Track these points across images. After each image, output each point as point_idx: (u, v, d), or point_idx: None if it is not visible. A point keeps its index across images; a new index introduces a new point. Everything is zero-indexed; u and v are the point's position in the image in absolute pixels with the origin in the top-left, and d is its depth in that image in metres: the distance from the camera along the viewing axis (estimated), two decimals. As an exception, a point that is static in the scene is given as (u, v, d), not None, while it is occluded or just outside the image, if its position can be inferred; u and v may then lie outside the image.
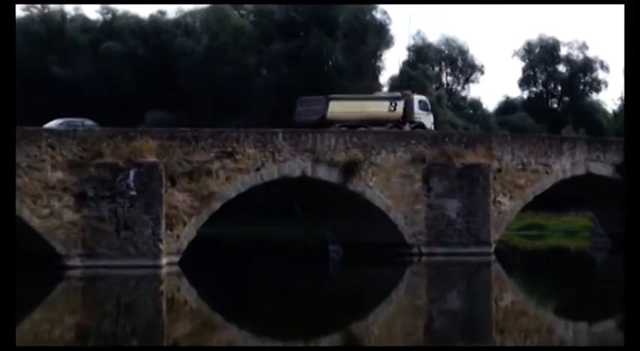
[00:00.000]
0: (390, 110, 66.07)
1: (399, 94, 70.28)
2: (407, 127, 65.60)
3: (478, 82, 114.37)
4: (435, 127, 69.47)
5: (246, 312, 40.12)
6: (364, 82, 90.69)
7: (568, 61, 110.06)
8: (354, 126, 63.54)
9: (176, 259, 52.87)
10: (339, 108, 64.89)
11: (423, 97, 71.72)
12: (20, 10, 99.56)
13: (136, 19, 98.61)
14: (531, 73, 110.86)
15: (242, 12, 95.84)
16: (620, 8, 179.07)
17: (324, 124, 63.06)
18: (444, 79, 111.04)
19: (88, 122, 61.10)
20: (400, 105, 66.22)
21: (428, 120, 67.87)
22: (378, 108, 66.62)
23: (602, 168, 67.73)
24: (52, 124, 60.35)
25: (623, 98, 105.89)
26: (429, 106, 69.83)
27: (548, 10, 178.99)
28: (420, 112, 67.35)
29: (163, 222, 52.09)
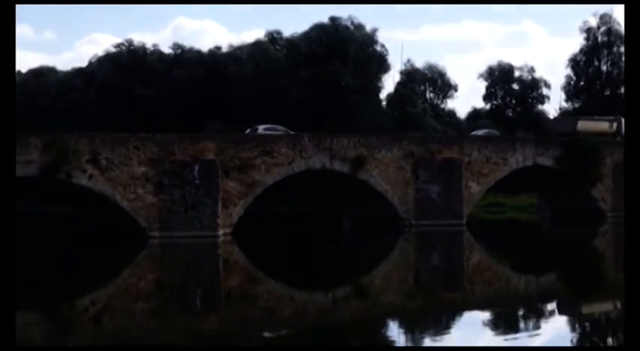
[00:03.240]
0: (609, 127, 73.88)
1: (613, 117, 76.00)
2: (618, 139, 72.01)
3: (453, 97, 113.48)
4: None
5: (281, 269, 40.26)
6: (368, 98, 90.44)
7: (520, 80, 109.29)
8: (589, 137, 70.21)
9: (229, 230, 52.96)
10: (583, 125, 72.26)
11: None
12: (112, 46, 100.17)
13: (199, 53, 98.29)
14: (492, 90, 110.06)
15: (277, 47, 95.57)
16: (559, 41, 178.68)
17: (574, 134, 69.70)
18: (427, 95, 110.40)
19: (280, 128, 63.84)
20: (614, 124, 73.94)
21: None
22: (603, 126, 74.28)
23: (546, 160, 67.52)
24: (261, 128, 62.78)
25: (562, 108, 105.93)
26: None
27: (505, 42, 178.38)
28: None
29: (219, 203, 52.16)
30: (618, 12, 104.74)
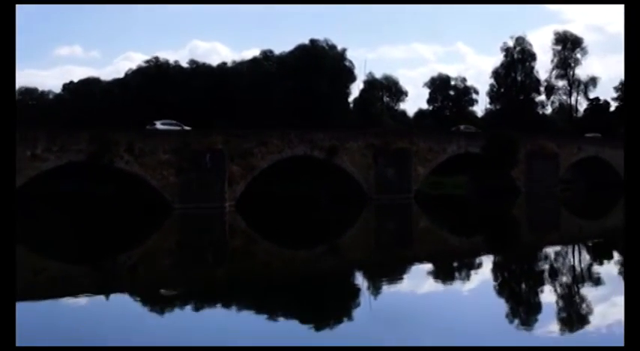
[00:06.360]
0: None
1: None
2: None
3: (404, 101, 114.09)
4: None
5: (274, 232, 40.36)
6: (339, 102, 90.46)
7: (455, 88, 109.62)
8: None
9: (233, 203, 52.95)
10: None
11: None
12: (142, 62, 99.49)
13: (210, 67, 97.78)
14: (434, 95, 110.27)
15: (269, 63, 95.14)
16: (484, 58, 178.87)
17: None
18: (384, 99, 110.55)
19: (471, 126, 77.75)
20: None
21: None
22: None
23: (475, 149, 67.93)
24: (462, 127, 76.30)
25: (487, 109, 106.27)
26: None
27: (443, 59, 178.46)
28: None
29: (226, 182, 52.20)
30: (530, 35, 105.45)
